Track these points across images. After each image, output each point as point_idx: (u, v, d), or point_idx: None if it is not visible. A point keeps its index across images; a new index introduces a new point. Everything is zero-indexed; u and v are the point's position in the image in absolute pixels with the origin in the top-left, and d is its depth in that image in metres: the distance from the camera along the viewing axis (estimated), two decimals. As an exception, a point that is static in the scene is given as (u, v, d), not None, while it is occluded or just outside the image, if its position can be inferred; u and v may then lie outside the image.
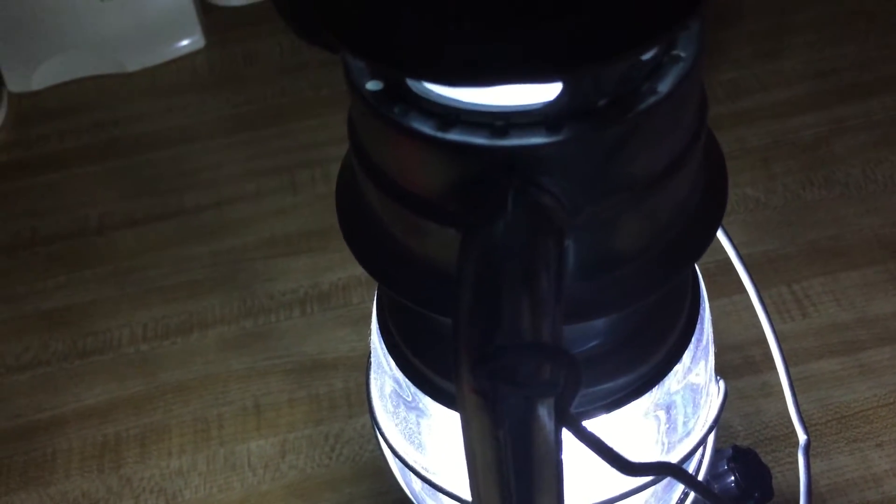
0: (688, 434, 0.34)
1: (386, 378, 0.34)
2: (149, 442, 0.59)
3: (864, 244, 0.61)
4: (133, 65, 0.86)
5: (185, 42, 0.87)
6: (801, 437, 0.38)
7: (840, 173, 0.66)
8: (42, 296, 0.68)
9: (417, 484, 0.35)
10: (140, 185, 0.76)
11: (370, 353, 0.37)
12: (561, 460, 0.24)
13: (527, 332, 0.22)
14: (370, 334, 0.36)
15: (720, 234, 0.36)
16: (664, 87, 0.23)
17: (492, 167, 0.23)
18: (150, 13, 0.85)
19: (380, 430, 0.35)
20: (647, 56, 0.23)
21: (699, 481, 0.35)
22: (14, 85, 0.86)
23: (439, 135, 0.23)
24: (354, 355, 0.61)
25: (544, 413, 0.22)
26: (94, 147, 0.80)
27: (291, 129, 0.78)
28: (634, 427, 0.32)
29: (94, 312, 0.67)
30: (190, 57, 0.87)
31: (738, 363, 0.56)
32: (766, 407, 0.53)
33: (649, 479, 0.31)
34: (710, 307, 0.58)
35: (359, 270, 0.27)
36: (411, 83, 0.23)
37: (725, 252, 0.38)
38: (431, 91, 0.23)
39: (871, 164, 0.66)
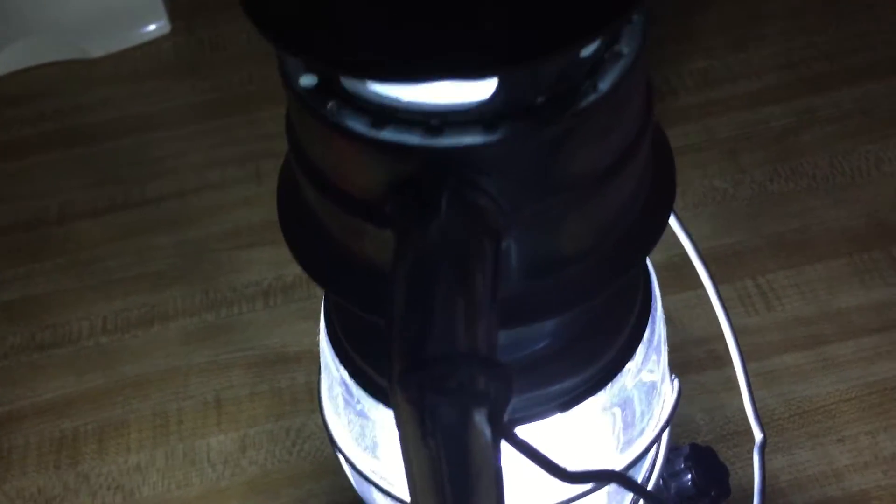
0: (642, 433, 0.33)
1: (333, 380, 0.33)
2: (107, 437, 0.58)
3: (830, 237, 0.61)
4: (97, 50, 0.84)
5: (150, 27, 0.85)
6: (758, 435, 0.38)
7: (808, 165, 0.66)
8: (0, 287, 0.67)
9: (367, 487, 0.35)
10: (102, 173, 0.75)
11: (320, 353, 0.37)
12: (500, 468, 0.23)
13: (460, 339, 0.21)
14: (318, 333, 0.35)
15: (679, 228, 0.36)
16: (605, 84, 0.22)
17: (426, 167, 0.22)
18: (115, -2, 0.83)
19: (328, 430, 0.35)
20: (587, 52, 0.22)
21: (641, 485, 0.34)
22: (-26, 71, 0.84)
23: (372, 133, 0.22)
24: (317, 349, 0.60)
25: (479, 422, 0.22)
26: (55, 134, 0.79)
27: (257, 118, 0.77)
28: (588, 426, 0.31)
29: (53, 304, 0.65)
30: (155, 43, 0.86)
31: (702, 357, 0.55)
32: (728, 402, 0.53)
33: (592, 485, 0.30)
34: (676, 300, 0.57)
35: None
36: (345, 79, 0.22)
37: (685, 245, 0.38)
38: (366, 88, 0.22)
39: (838, 156, 0.66)
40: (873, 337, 0.55)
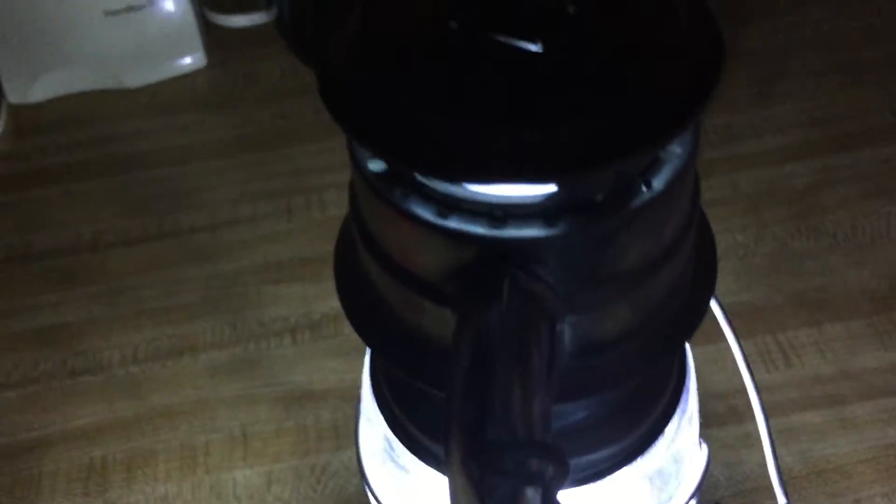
0: (671, 498, 0.34)
1: (375, 434, 0.34)
2: (135, 466, 0.59)
3: (851, 296, 0.62)
4: (133, 81, 0.86)
5: (186, 60, 0.87)
6: (781, 500, 0.39)
7: (829, 224, 0.67)
8: (33, 312, 0.68)
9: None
10: (135, 203, 0.76)
11: (359, 401, 0.38)
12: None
13: (517, 421, 0.22)
14: (361, 383, 0.37)
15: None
16: (659, 183, 0.23)
17: (489, 255, 0.23)
18: (153, 30, 0.85)
19: (367, 482, 0.36)
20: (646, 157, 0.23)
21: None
22: (13, 96, 0.86)
23: (439, 221, 0.23)
24: (343, 386, 0.62)
25: (532, 498, 0.23)
26: (90, 162, 0.80)
27: (289, 154, 0.79)
28: (620, 494, 0.32)
29: (85, 332, 0.67)
30: (191, 76, 0.88)
31: (722, 412, 0.56)
32: (747, 458, 0.54)
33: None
34: (696, 354, 0.58)
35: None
36: (414, 170, 0.24)
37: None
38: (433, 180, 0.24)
39: (859, 216, 0.67)
40: (892, 398, 0.56)
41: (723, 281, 0.65)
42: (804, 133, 0.74)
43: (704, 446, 0.36)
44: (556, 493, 0.22)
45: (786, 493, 0.39)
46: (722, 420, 0.56)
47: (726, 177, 0.71)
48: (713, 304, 0.39)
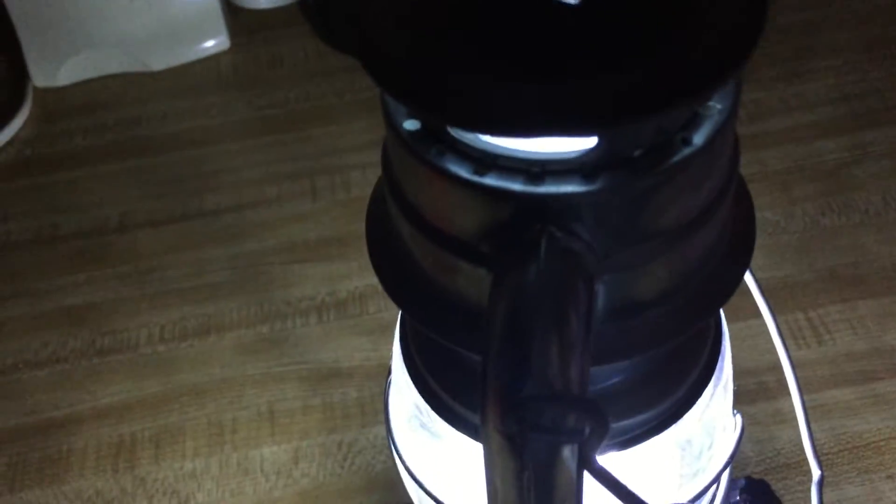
0: (704, 469, 0.34)
1: (406, 402, 0.34)
2: (163, 443, 0.59)
3: (882, 273, 0.61)
4: (158, 64, 0.87)
5: (210, 43, 0.88)
6: (815, 472, 0.39)
7: (860, 200, 0.66)
8: (62, 293, 0.69)
9: (427, 501, 0.36)
10: (161, 185, 0.77)
11: (389, 372, 0.38)
12: (581, 500, 0.24)
13: (555, 378, 0.22)
14: (391, 356, 0.37)
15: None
16: (699, 139, 0.23)
17: (526, 212, 0.23)
18: (177, 13, 0.86)
19: (397, 451, 0.36)
20: (687, 110, 0.23)
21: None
22: (40, 80, 0.87)
23: (476, 179, 0.23)
24: (369, 365, 0.62)
25: (568, 456, 0.23)
26: (116, 145, 0.81)
27: (313, 135, 0.79)
28: (653, 462, 0.32)
29: (112, 311, 0.67)
30: (215, 58, 0.88)
31: (752, 388, 0.56)
32: (778, 434, 0.53)
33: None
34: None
35: (376, 280, 0.27)
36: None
37: (744, 276, 0.38)
38: (468, 134, 0.23)
39: (891, 192, 0.66)
40: (924, 375, 0.56)
41: (753, 258, 0.64)
42: (833, 109, 0.73)
43: (738, 416, 0.35)
44: (593, 452, 0.22)
45: (820, 465, 0.38)
46: (753, 397, 0.55)
47: (755, 154, 0.70)
48: (748, 278, 0.39)
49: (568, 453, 0.22)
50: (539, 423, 0.21)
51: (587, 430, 0.22)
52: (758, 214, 0.69)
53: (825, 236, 0.64)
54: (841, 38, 0.80)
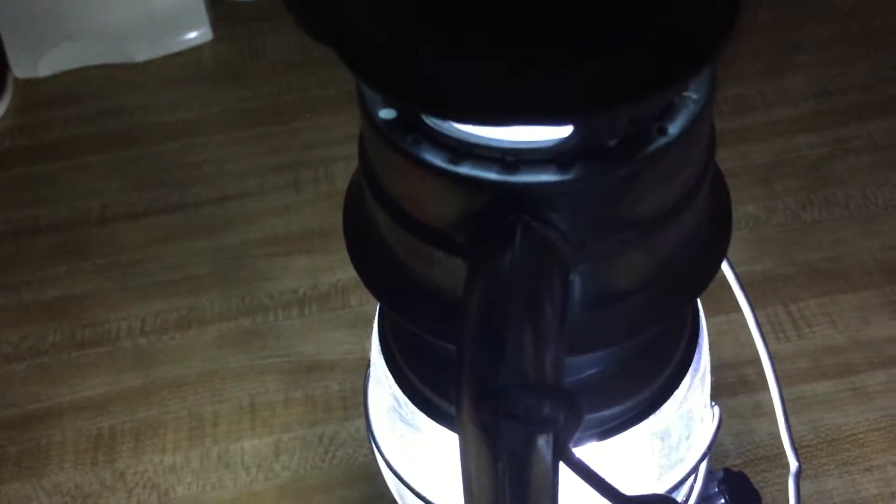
0: (682, 460, 0.34)
1: (384, 394, 0.34)
2: (143, 437, 0.59)
3: (862, 267, 0.62)
4: (140, 55, 0.86)
5: (192, 34, 0.87)
6: (793, 464, 0.39)
7: (840, 194, 0.67)
8: (42, 285, 0.68)
9: (411, 499, 0.36)
10: (143, 176, 0.76)
11: (368, 365, 0.38)
12: (557, 488, 0.24)
13: (529, 366, 0.22)
14: (370, 349, 0.36)
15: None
16: (674, 128, 0.23)
17: (501, 202, 0.23)
18: (159, 4, 0.85)
19: (376, 443, 0.36)
20: (662, 99, 0.23)
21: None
22: (20, 70, 0.86)
23: (451, 168, 0.23)
24: (351, 358, 0.62)
25: (543, 446, 0.23)
26: (98, 136, 0.80)
27: (296, 127, 0.78)
28: (630, 453, 0.32)
29: (93, 304, 0.67)
30: (197, 49, 0.87)
31: (733, 381, 0.56)
32: (758, 427, 0.54)
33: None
34: (707, 324, 0.58)
35: (358, 273, 0.27)
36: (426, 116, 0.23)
37: (723, 270, 0.38)
38: (444, 123, 0.23)
39: (871, 187, 0.67)
40: (903, 368, 0.56)
41: (734, 252, 0.64)
42: (815, 104, 0.73)
43: (716, 408, 0.36)
44: (568, 441, 0.22)
45: (798, 458, 0.39)
46: (732, 390, 0.56)
47: (737, 148, 0.70)
48: (727, 272, 0.39)
49: (543, 442, 0.22)
50: (513, 412, 0.21)
51: (561, 419, 0.22)
52: (739, 208, 0.70)
53: (806, 230, 0.65)
54: (822, 33, 0.80)
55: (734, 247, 0.68)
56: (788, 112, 0.73)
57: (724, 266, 0.39)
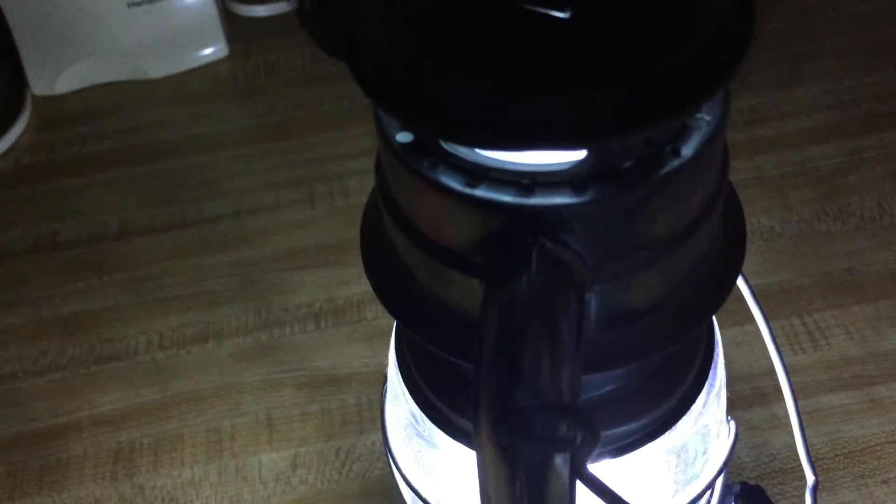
0: (698, 475, 0.34)
1: (402, 410, 0.34)
2: (162, 451, 0.59)
3: (878, 278, 0.62)
4: (156, 72, 0.87)
5: (208, 51, 0.88)
6: (810, 477, 0.39)
7: (855, 205, 0.66)
8: (61, 300, 0.69)
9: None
10: (160, 192, 0.77)
11: (385, 381, 0.38)
12: (575, 509, 0.24)
13: (546, 387, 0.22)
14: (387, 363, 0.37)
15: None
16: (688, 150, 0.23)
17: (517, 224, 0.23)
18: (175, 21, 0.86)
19: (393, 459, 0.36)
20: (675, 122, 0.23)
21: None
22: (38, 88, 0.87)
23: (467, 191, 0.23)
24: (367, 371, 0.62)
25: (560, 465, 0.23)
26: (115, 153, 0.81)
27: (311, 142, 0.79)
28: (646, 470, 0.32)
29: (111, 319, 0.67)
30: (213, 66, 0.88)
31: (748, 394, 0.56)
32: (774, 439, 0.54)
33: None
34: (722, 336, 0.58)
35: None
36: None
37: (738, 283, 0.39)
38: (461, 147, 0.24)
39: (886, 198, 0.67)
40: (920, 380, 0.56)
41: (748, 263, 0.64)
42: (829, 115, 0.73)
43: (732, 423, 0.36)
44: (585, 461, 0.22)
45: (814, 471, 0.39)
46: (748, 402, 0.56)
47: (751, 160, 0.70)
48: (741, 285, 0.39)
49: (560, 462, 0.23)
50: (530, 432, 0.22)
51: (578, 439, 0.22)
52: (754, 220, 0.70)
53: (821, 241, 0.65)
54: (835, 43, 0.80)
55: (749, 259, 0.68)
56: (802, 123, 0.73)
57: (740, 281, 0.39)
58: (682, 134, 0.24)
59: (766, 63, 0.78)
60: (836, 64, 0.78)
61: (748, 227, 0.66)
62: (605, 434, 0.30)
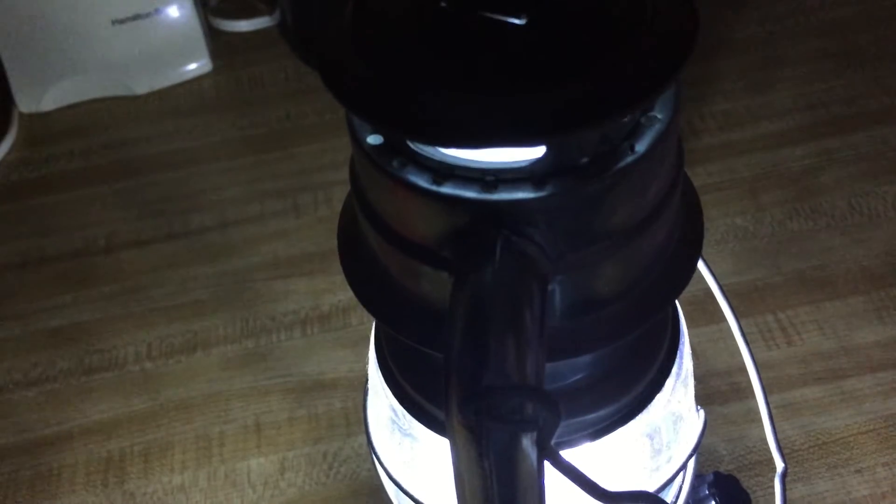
0: (669, 460, 0.36)
1: (382, 406, 0.35)
2: (152, 458, 0.60)
3: (849, 275, 0.63)
4: (141, 87, 0.88)
5: (192, 66, 0.89)
6: (779, 465, 0.40)
7: (826, 205, 0.68)
8: (50, 313, 0.70)
9: (404, 499, 0.37)
10: (146, 206, 0.78)
11: (367, 380, 0.39)
12: (543, 487, 0.26)
13: (512, 371, 0.23)
14: (367, 362, 0.38)
15: (702, 265, 0.38)
16: (641, 146, 0.25)
17: (482, 218, 0.25)
18: (159, 37, 0.87)
19: (376, 454, 0.37)
20: (625, 118, 0.25)
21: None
22: (25, 105, 0.88)
23: (434, 188, 0.25)
24: (353, 376, 0.63)
25: (527, 445, 0.24)
26: (102, 168, 0.82)
27: (294, 153, 0.80)
28: (618, 454, 0.33)
29: (100, 331, 0.68)
30: (197, 80, 0.89)
31: (725, 389, 0.58)
32: (750, 433, 0.55)
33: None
34: (699, 334, 0.60)
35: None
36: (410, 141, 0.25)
37: (707, 281, 0.40)
38: (427, 147, 0.25)
39: (856, 197, 0.68)
40: (890, 371, 0.57)
41: (723, 263, 0.66)
42: (800, 118, 0.75)
43: (702, 412, 0.37)
44: (549, 439, 0.24)
45: (783, 458, 0.40)
46: (725, 397, 0.57)
47: (724, 162, 0.72)
48: (712, 283, 0.40)
49: (526, 441, 0.24)
50: (497, 412, 0.23)
51: (542, 419, 0.23)
52: (728, 220, 0.72)
53: (793, 240, 0.66)
54: (804, 49, 0.82)
55: (724, 258, 0.70)
56: (774, 126, 0.75)
57: (709, 277, 0.40)
58: (637, 131, 0.25)
59: (737, 68, 0.80)
60: (806, 68, 0.80)
61: (723, 228, 0.67)
62: (580, 420, 0.32)
